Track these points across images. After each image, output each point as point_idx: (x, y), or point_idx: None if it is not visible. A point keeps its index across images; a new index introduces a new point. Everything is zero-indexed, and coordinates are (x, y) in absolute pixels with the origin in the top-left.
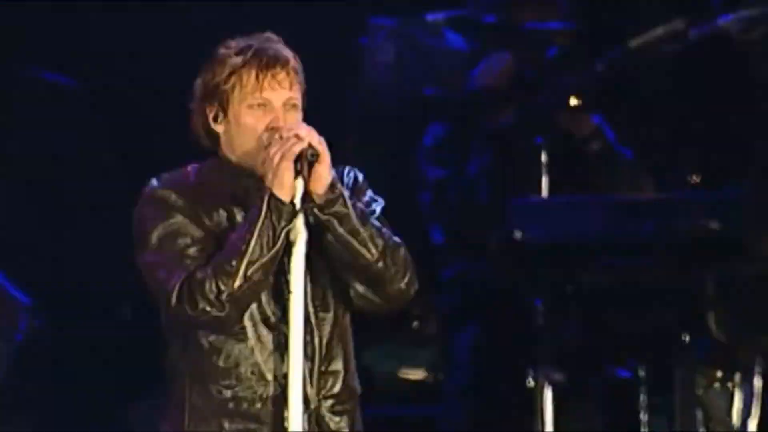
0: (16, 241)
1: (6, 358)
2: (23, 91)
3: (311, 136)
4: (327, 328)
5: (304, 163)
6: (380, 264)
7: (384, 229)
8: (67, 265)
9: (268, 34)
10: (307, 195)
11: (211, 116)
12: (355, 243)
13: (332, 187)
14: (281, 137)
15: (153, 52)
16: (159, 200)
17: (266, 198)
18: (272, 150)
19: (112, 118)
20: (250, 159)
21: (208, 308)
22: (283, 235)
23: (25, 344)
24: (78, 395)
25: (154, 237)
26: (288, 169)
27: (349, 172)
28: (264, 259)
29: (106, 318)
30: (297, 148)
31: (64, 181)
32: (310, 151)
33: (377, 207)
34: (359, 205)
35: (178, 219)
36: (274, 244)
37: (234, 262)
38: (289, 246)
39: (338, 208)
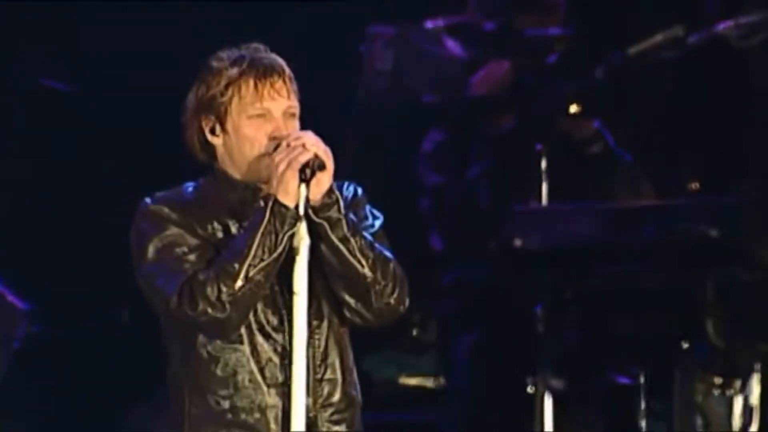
0: (14, 246)
1: (4, 363)
2: (22, 95)
3: (317, 146)
4: (321, 337)
5: (309, 172)
6: (370, 276)
7: (376, 244)
8: (65, 269)
9: (255, 45)
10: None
11: (207, 129)
12: (345, 251)
13: (329, 192)
14: (288, 145)
15: (151, 54)
16: (152, 215)
17: (270, 203)
18: (278, 158)
19: (111, 122)
20: (251, 170)
21: (209, 309)
22: (285, 239)
23: (24, 349)
24: (76, 399)
25: (151, 250)
26: (293, 177)
27: (348, 186)
28: (265, 263)
29: (105, 322)
30: (303, 158)
31: (62, 185)
32: (317, 162)
33: (377, 222)
34: (352, 217)
35: (173, 230)
36: (276, 249)
37: (236, 264)
38: (290, 253)
39: (332, 213)
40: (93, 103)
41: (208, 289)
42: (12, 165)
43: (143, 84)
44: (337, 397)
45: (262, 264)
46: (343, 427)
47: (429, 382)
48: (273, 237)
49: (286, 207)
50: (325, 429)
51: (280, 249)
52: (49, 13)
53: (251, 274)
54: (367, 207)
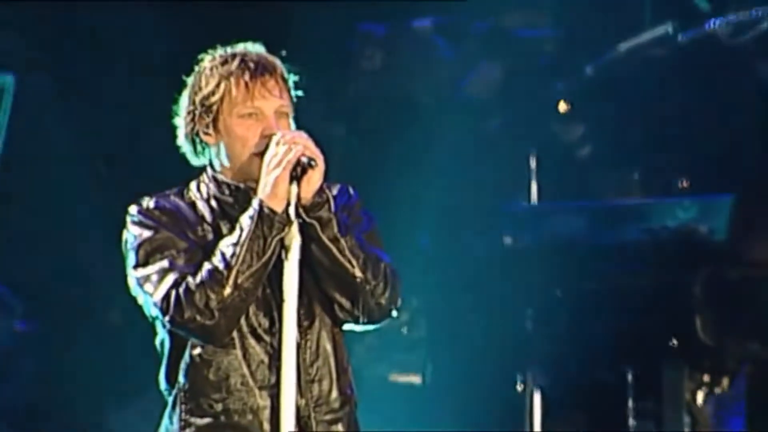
0: (7, 243)
1: None
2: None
3: (308, 144)
4: (313, 337)
5: (300, 170)
6: (360, 276)
7: (367, 244)
8: (57, 268)
9: (249, 44)
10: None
11: (200, 129)
12: (336, 251)
13: (320, 192)
14: (278, 144)
15: (147, 53)
16: (143, 219)
17: (257, 208)
18: (268, 158)
19: (105, 124)
20: (242, 170)
21: (197, 317)
22: (274, 243)
23: (13, 347)
24: (66, 399)
25: (141, 254)
26: (284, 179)
27: (342, 188)
28: (254, 268)
29: (96, 323)
30: (294, 157)
31: (58, 184)
32: (308, 160)
33: (371, 223)
34: (345, 217)
35: (163, 234)
36: (264, 253)
37: (224, 271)
38: (280, 257)
39: (323, 213)
40: (90, 104)
41: (197, 296)
42: (8, 164)
43: (138, 86)
44: (332, 396)
45: (251, 270)
46: (340, 426)
47: (418, 380)
48: (261, 242)
49: (274, 211)
50: (321, 429)
51: (268, 253)
52: (48, 13)
53: (240, 280)
54: (363, 209)
